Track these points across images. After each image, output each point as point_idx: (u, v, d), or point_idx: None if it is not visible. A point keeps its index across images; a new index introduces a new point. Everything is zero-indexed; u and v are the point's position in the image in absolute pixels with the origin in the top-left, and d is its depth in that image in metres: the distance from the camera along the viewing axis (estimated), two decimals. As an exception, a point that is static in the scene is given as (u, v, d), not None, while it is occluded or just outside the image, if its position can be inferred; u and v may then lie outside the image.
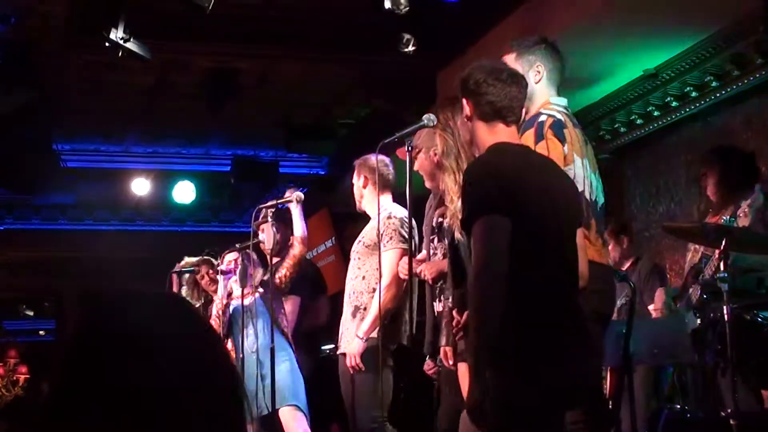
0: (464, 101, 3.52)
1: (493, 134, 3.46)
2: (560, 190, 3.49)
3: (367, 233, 5.65)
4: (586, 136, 4.23)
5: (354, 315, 5.56)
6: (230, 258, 6.62)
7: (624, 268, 6.64)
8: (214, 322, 6.48)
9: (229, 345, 6.52)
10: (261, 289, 6.48)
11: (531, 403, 3.24)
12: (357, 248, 5.67)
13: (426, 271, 4.81)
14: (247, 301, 6.41)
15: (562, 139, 3.90)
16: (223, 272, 6.61)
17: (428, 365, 5.18)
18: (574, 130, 4.04)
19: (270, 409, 6.11)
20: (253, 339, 6.30)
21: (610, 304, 4.10)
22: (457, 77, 3.57)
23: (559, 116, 3.99)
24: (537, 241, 3.29)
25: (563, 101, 4.18)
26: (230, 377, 1.45)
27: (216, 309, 6.59)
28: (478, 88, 3.45)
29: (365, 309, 5.45)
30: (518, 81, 3.51)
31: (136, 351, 1.34)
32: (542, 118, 3.90)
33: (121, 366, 1.32)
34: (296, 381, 6.27)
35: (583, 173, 3.99)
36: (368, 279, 5.53)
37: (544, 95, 4.08)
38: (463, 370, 4.58)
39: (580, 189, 3.95)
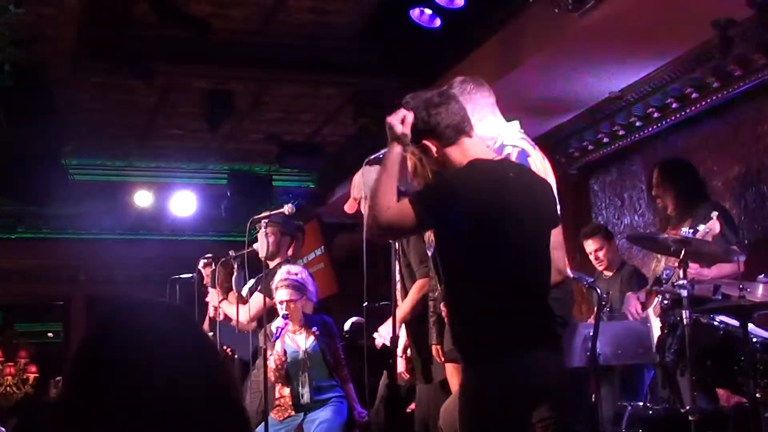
0: (426, 143, 3.42)
1: (463, 151, 3.39)
2: (534, 200, 3.45)
3: None
4: (551, 153, 4.25)
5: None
6: (279, 324, 6.08)
7: (610, 275, 6.64)
8: (273, 375, 6.00)
9: (286, 392, 6.18)
10: (316, 330, 6.18)
11: (500, 402, 3.22)
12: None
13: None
14: (302, 343, 6.18)
15: None
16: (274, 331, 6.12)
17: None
18: (535, 153, 4.05)
19: None
20: (308, 388, 6.10)
21: (567, 310, 4.12)
22: (397, 132, 3.42)
23: (522, 145, 3.99)
24: (503, 248, 3.27)
25: (515, 125, 4.18)
26: (225, 376, 1.45)
27: (274, 362, 6.04)
28: (430, 121, 3.37)
29: None
30: (450, 95, 3.48)
31: (140, 357, 1.35)
32: (507, 150, 3.88)
33: (126, 371, 1.33)
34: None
35: None
36: None
37: (486, 130, 4.01)
38: (450, 369, 4.59)
39: None
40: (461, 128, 3.40)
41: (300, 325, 6.17)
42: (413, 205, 3.27)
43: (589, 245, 6.63)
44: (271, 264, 6.45)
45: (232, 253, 6.80)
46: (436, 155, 3.43)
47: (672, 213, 5.75)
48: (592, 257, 6.63)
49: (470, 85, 4.10)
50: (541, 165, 4.02)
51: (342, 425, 6.12)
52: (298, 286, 6.10)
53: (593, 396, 4.85)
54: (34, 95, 7.66)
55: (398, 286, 5.10)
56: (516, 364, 3.22)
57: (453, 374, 4.57)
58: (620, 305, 6.31)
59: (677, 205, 5.71)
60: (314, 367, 6.11)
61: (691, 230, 4.80)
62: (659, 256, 5.69)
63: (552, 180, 4.08)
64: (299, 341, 6.16)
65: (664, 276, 5.42)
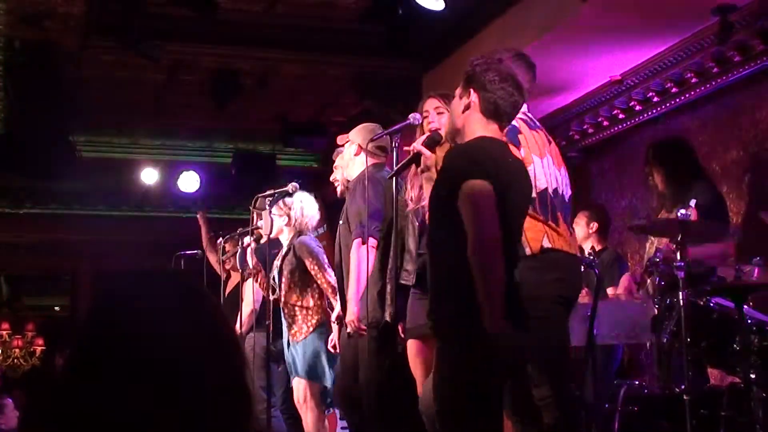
0: (471, 91, 3.45)
1: (482, 127, 3.42)
2: (526, 184, 3.52)
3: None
4: (551, 135, 4.26)
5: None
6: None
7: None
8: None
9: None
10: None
11: (475, 375, 3.22)
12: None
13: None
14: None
15: (516, 144, 3.92)
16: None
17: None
18: (531, 133, 4.06)
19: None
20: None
21: (573, 290, 4.11)
22: (470, 65, 3.49)
23: (514, 122, 4.00)
24: (504, 229, 3.28)
25: (522, 107, 4.19)
26: (234, 353, 1.43)
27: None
28: (492, 86, 3.40)
29: None
30: (522, 93, 3.49)
31: (146, 327, 1.33)
32: None
33: (131, 341, 1.32)
34: (309, 362, 6.19)
35: (544, 171, 4.01)
36: None
37: None
38: (413, 346, 4.56)
39: (543, 186, 3.98)
40: (501, 115, 3.44)
41: None
42: (470, 181, 3.21)
43: (578, 217, 6.64)
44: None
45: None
46: (465, 106, 3.46)
47: (663, 191, 5.73)
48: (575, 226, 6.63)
49: (510, 58, 4.11)
50: (534, 143, 4.03)
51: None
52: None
53: (592, 374, 4.86)
54: (43, 72, 7.65)
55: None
56: (500, 341, 3.20)
57: (417, 352, 4.53)
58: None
59: (667, 185, 5.69)
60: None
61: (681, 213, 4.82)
62: (652, 238, 5.69)
63: (549, 157, 4.10)
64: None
65: (657, 258, 5.43)
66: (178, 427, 1.29)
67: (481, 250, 3.14)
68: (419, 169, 3.84)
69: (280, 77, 8.89)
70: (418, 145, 3.88)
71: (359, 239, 4.99)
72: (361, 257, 4.97)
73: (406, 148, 4.04)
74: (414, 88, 8.19)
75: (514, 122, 3.99)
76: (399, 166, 4.02)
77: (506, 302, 3.25)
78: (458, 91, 3.55)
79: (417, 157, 3.79)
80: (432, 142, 3.85)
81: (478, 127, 3.43)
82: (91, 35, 7.52)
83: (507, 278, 3.29)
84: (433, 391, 3.35)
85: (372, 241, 4.91)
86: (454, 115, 3.56)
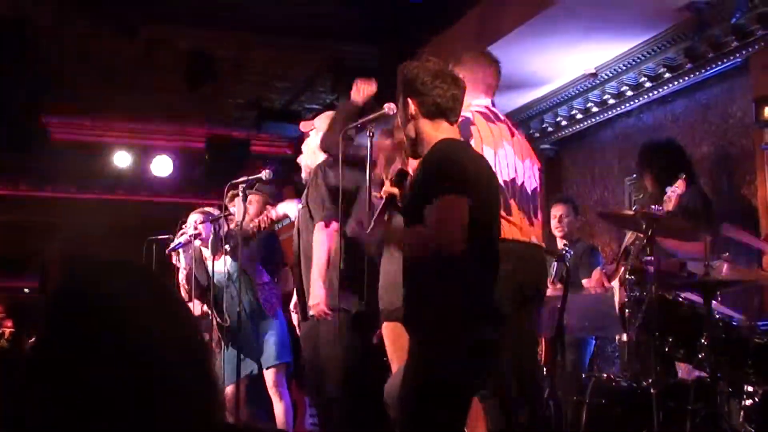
0: (408, 100, 3.42)
1: (437, 131, 3.39)
2: (495, 180, 3.52)
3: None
4: (525, 127, 4.28)
5: None
6: (195, 219, 6.31)
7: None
8: (183, 289, 6.30)
9: (205, 308, 6.36)
10: (228, 247, 6.20)
11: (451, 374, 3.19)
12: None
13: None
14: (220, 266, 6.23)
15: (467, 136, 3.93)
16: (193, 236, 6.24)
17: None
18: (488, 125, 4.07)
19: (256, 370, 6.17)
20: (235, 302, 6.00)
21: (527, 276, 4.11)
22: (400, 73, 3.48)
23: (468, 114, 4.02)
24: (479, 226, 3.26)
25: (485, 101, 4.26)
26: (199, 344, 1.43)
27: (182, 276, 6.37)
28: (425, 88, 3.37)
29: None
30: (459, 84, 3.45)
31: (110, 316, 1.32)
32: None
33: (96, 328, 1.31)
34: (282, 342, 6.21)
35: (498, 162, 4.03)
36: None
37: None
38: (389, 330, 4.56)
39: (505, 177, 4.01)
40: (445, 112, 3.40)
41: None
42: (459, 199, 3.16)
43: (558, 210, 6.64)
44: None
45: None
46: (410, 116, 3.42)
47: (652, 192, 5.76)
48: (554, 221, 6.62)
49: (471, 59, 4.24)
50: (489, 135, 4.05)
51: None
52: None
53: (561, 365, 4.88)
54: (17, 48, 7.55)
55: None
56: (474, 340, 3.20)
57: (395, 336, 4.52)
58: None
59: (655, 188, 5.74)
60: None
61: (660, 207, 4.82)
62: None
63: (509, 149, 4.11)
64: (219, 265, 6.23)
65: (632, 248, 5.45)
66: (147, 412, 1.28)
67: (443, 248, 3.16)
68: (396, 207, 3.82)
69: (255, 62, 8.84)
70: (388, 188, 3.86)
71: (323, 222, 4.98)
72: (324, 239, 4.97)
73: (375, 194, 4.02)
74: (390, 77, 8.16)
75: (468, 114, 4.00)
76: (377, 214, 3.97)
77: (487, 306, 3.26)
78: (399, 103, 3.51)
79: (392, 200, 3.78)
80: (400, 179, 3.85)
81: (430, 130, 3.39)
82: (65, 11, 7.43)
83: (489, 282, 3.30)
84: (403, 381, 3.32)
85: (334, 225, 4.91)
86: (404, 127, 3.51)
